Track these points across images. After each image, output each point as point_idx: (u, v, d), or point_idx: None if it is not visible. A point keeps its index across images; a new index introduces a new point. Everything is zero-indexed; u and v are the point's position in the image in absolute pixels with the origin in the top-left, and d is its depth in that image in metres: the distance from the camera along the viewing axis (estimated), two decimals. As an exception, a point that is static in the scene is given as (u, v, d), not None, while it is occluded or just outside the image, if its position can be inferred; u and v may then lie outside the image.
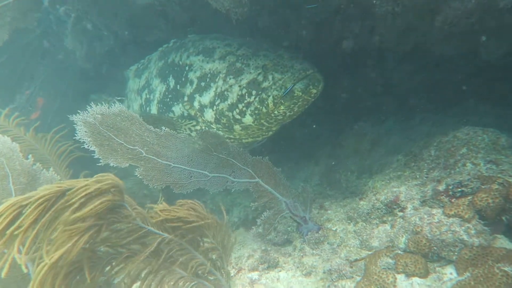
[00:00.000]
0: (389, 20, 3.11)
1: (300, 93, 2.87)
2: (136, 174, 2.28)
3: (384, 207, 2.86)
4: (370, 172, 4.03)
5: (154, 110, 3.93)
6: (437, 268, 2.37)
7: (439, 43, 3.43)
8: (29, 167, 2.28)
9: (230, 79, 3.14)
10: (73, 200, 1.50)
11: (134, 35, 5.18)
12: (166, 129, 2.40)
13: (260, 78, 2.99)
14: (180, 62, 3.66)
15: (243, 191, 4.77)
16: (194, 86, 3.40)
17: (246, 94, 3.03)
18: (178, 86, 3.59)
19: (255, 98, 2.99)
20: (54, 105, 5.21)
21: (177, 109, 3.63)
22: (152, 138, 2.32)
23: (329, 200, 3.67)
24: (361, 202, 3.04)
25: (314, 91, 2.91)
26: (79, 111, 2.16)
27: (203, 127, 3.52)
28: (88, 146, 2.08)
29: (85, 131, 2.06)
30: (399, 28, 3.35)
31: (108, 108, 2.15)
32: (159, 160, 2.32)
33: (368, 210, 2.91)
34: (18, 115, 3.88)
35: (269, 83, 2.95)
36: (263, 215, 2.86)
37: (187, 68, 3.54)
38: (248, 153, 2.82)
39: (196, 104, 3.39)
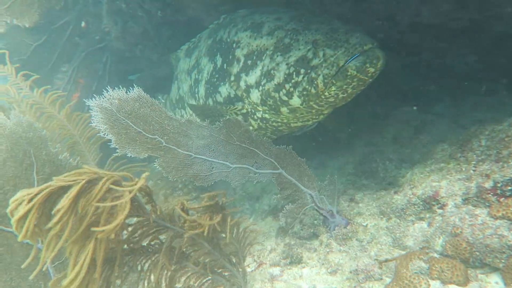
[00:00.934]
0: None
1: (355, 72, 2.55)
2: (155, 165, 2.27)
3: (421, 202, 2.66)
4: (411, 161, 3.79)
5: (202, 91, 3.83)
6: (479, 276, 2.17)
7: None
8: (55, 157, 2.32)
9: (277, 56, 2.92)
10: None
11: (166, 15, 5.16)
12: (189, 116, 2.34)
13: (310, 54, 2.73)
14: (228, 39, 3.50)
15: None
16: (241, 64, 3.23)
17: (294, 73, 2.79)
18: (225, 64, 3.44)
19: (303, 77, 2.75)
20: (92, 86, 5.38)
21: (224, 90, 3.50)
22: (172, 127, 2.26)
23: (361, 191, 3.50)
24: (395, 197, 2.85)
25: (372, 69, 2.59)
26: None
27: (249, 109, 3.38)
28: (104, 134, 2.07)
29: (101, 118, 2.04)
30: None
31: (126, 92, 2.12)
32: (179, 150, 2.27)
33: (403, 205, 2.73)
34: (55, 93, 3.95)
35: (320, 60, 2.68)
36: (285, 208, 2.77)
37: (234, 45, 3.36)
38: (271, 142, 2.70)
39: (242, 84, 3.23)
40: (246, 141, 2.49)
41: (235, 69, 3.32)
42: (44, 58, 5.12)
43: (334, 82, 2.66)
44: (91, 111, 2.07)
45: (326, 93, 2.75)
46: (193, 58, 4.21)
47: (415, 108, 5.19)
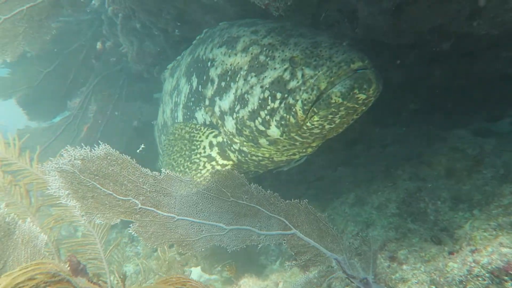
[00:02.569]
0: None
1: (340, 100, 2.11)
2: (130, 231, 1.89)
3: (487, 275, 2.06)
4: (470, 202, 3.16)
5: (180, 116, 3.51)
6: None
7: None
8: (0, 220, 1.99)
9: (251, 77, 2.53)
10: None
11: (183, 33, 4.89)
12: (167, 171, 1.94)
13: (287, 75, 2.33)
14: (204, 57, 3.14)
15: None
16: (215, 86, 2.87)
17: (269, 97, 2.39)
18: (200, 86, 3.09)
19: (280, 103, 2.35)
20: (107, 111, 5.21)
21: (200, 116, 3.16)
22: (149, 185, 1.89)
23: (405, 244, 2.91)
24: (451, 264, 2.26)
25: (363, 96, 2.13)
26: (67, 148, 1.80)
27: (225, 140, 3.02)
28: (66, 201, 1.72)
29: (62, 183, 1.71)
30: None
31: (91, 151, 1.77)
32: (159, 212, 1.89)
33: (461, 276, 2.13)
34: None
35: (298, 82, 2.27)
36: (302, 279, 2.25)
37: (209, 63, 3.00)
38: (278, 196, 2.22)
39: (217, 109, 2.86)
40: (244, 197, 2.05)
41: (209, 91, 2.93)
42: (56, 85, 5.03)
43: (316, 111, 2.21)
44: (46, 176, 1.73)
45: (308, 124, 2.31)
46: (175, 78, 3.88)
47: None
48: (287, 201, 2.20)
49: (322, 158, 5.43)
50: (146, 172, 1.90)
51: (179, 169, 3.02)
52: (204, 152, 3.07)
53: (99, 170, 1.80)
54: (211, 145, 3.08)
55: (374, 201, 3.62)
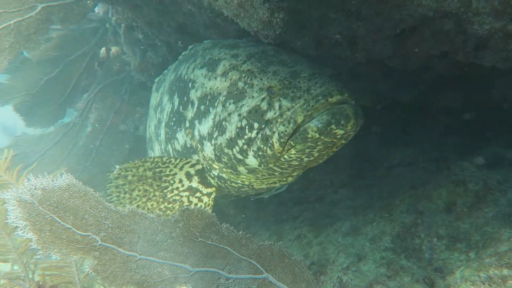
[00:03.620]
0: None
1: (317, 135, 2.11)
2: (87, 269, 1.85)
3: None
4: (468, 242, 3.05)
5: (162, 134, 3.46)
6: None
7: None
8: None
9: (230, 104, 2.51)
10: None
11: (186, 44, 4.90)
12: (131, 207, 1.91)
13: (264, 105, 2.32)
14: (186, 77, 3.11)
15: (296, 238, 4.17)
16: (195, 109, 2.84)
17: (247, 127, 2.38)
18: (181, 107, 3.05)
19: (257, 133, 2.34)
20: (107, 121, 5.24)
21: (180, 137, 3.11)
22: (112, 220, 1.85)
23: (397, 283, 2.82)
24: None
25: (340, 132, 2.12)
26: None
27: (205, 165, 2.95)
28: (23, 233, 1.70)
29: (20, 213, 1.69)
30: None
31: (53, 181, 1.75)
32: (120, 250, 1.84)
33: (444, 331, 2.04)
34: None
35: (275, 113, 2.26)
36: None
37: (190, 84, 2.97)
38: (251, 237, 2.17)
39: (196, 133, 2.83)
40: (213, 237, 1.99)
41: (189, 113, 2.90)
42: (56, 92, 5.09)
43: (293, 145, 2.20)
44: (6, 205, 1.72)
45: (286, 156, 2.29)
46: (159, 93, 3.83)
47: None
48: (260, 243, 2.14)
49: (325, 177, 5.36)
50: (109, 206, 1.87)
51: None
52: (183, 185, 2.97)
53: (59, 202, 1.77)
54: (188, 175, 3.00)
55: (369, 232, 3.52)
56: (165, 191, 2.95)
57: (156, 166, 2.95)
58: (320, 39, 3.71)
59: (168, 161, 2.95)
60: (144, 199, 2.97)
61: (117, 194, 2.95)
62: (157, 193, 2.95)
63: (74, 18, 3.33)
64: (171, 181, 3.01)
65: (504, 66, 2.86)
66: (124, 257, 1.85)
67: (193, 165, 3.00)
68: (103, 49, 5.39)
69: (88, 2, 3.50)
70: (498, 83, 4.25)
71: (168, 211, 2.91)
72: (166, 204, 2.92)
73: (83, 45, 5.17)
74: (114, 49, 5.44)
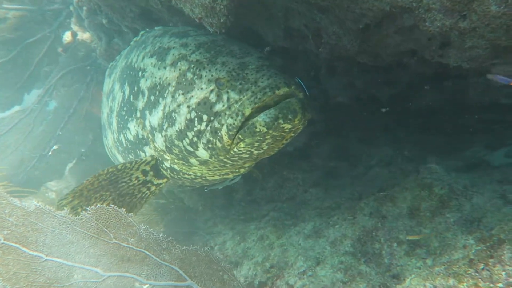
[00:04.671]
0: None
1: (265, 129, 2.16)
2: None
3: None
4: (428, 249, 3.03)
5: (114, 123, 3.44)
6: None
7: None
8: None
9: (179, 95, 2.52)
10: None
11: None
12: (38, 203, 1.84)
13: (213, 97, 2.34)
14: (136, 65, 3.10)
15: (259, 239, 4.13)
16: (145, 99, 2.84)
17: (196, 119, 2.40)
18: (132, 96, 3.05)
19: (206, 126, 2.37)
20: (70, 109, 5.12)
21: (132, 127, 3.11)
22: (16, 217, 1.78)
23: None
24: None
25: (288, 126, 2.19)
26: None
27: (157, 157, 2.94)
28: None
29: None
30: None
31: None
32: (24, 249, 1.77)
33: None
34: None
35: (223, 105, 2.29)
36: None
37: (140, 73, 2.97)
38: (173, 240, 2.11)
39: (147, 124, 2.84)
40: (130, 239, 1.93)
41: (140, 104, 2.90)
42: (12, 76, 4.93)
43: (242, 138, 2.23)
44: None
45: (236, 149, 2.33)
46: (111, 79, 3.81)
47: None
48: (184, 247, 2.09)
49: (299, 175, 5.33)
50: (14, 202, 1.80)
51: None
52: (138, 181, 3.03)
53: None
54: (144, 172, 3.04)
55: (331, 235, 3.50)
56: (121, 189, 2.97)
57: (112, 175, 2.95)
58: (289, 31, 3.65)
59: (123, 167, 2.95)
60: (99, 203, 2.97)
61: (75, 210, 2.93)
62: (114, 194, 2.97)
63: None
64: (128, 181, 3.04)
65: (470, 66, 2.82)
66: (29, 258, 1.78)
67: (148, 163, 3.00)
68: (68, 33, 5.24)
69: None
70: (474, 83, 4.22)
71: (120, 198, 2.97)
72: (121, 198, 2.98)
73: (44, 27, 5.01)
74: (82, 35, 5.30)
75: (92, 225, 1.89)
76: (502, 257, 2.18)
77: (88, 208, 1.90)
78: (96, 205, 1.92)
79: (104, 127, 3.97)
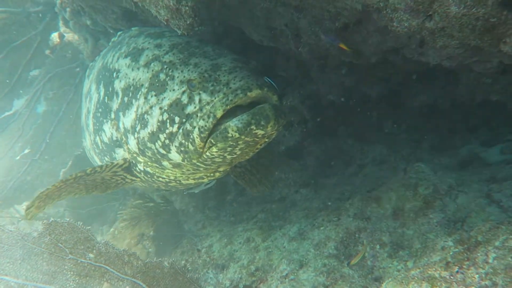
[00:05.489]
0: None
1: (237, 134, 2.15)
2: None
3: None
4: (410, 251, 3.03)
5: (90, 125, 3.43)
6: None
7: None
8: None
9: (151, 96, 2.51)
10: None
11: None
12: None
13: (185, 99, 2.33)
14: (111, 66, 3.09)
15: (245, 241, 4.13)
16: (119, 100, 2.83)
17: (168, 121, 2.38)
18: (106, 98, 3.04)
19: (178, 128, 2.34)
20: (59, 112, 5.12)
21: (107, 129, 3.10)
22: None
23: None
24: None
25: (261, 132, 2.17)
26: None
27: (131, 160, 2.92)
28: None
29: None
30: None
31: None
32: None
33: None
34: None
35: (195, 107, 2.27)
36: None
37: (114, 74, 2.96)
38: (135, 254, 2.10)
39: (121, 125, 2.83)
40: (88, 254, 1.92)
41: (114, 105, 2.90)
42: (0, 81, 4.95)
43: (214, 143, 2.22)
44: None
45: (208, 154, 2.31)
46: (89, 80, 3.80)
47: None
48: (147, 260, 2.08)
49: (290, 175, 5.32)
50: None
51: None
52: (110, 178, 3.06)
53: None
54: (115, 174, 3.03)
55: (315, 237, 3.49)
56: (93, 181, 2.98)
57: (80, 180, 2.91)
58: (272, 30, 3.64)
59: (92, 171, 2.92)
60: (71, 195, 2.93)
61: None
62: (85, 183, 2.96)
63: None
64: (99, 179, 3.05)
65: (450, 65, 2.80)
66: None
67: (120, 166, 2.99)
68: (56, 34, 5.24)
69: None
70: (464, 80, 4.19)
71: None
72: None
73: (30, 30, 5.02)
74: (68, 36, 5.30)
75: (45, 240, 1.87)
76: (476, 259, 2.17)
77: (40, 223, 1.88)
78: (50, 219, 1.90)
79: (83, 128, 3.98)
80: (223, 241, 4.18)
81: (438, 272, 2.25)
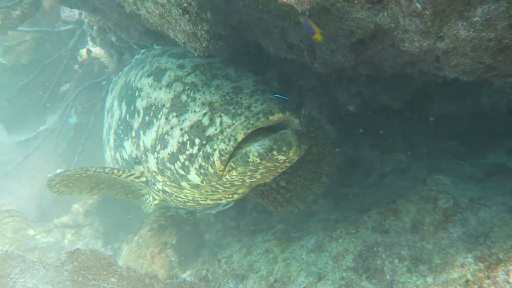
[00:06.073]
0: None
1: (258, 160, 2.14)
2: None
3: None
4: (430, 265, 2.97)
5: (111, 141, 3.50)
6: None
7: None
8: None
9: (172, 117, 2.52)
10: None
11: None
12: (5, 248, 1.86)
13: (206, 121, 2.33)
14: (133, 84, 3.13)
15: (264, 252, 4.14)
16: (140, 119, 2.86)
17: (188, 142, 2.38)
18: (128, 115, 3.08)
19: (198, 150, 2.34)
20: (88, 124, 5.31)
21: (127, 146, 3.15)
22: None
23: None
24: None
25: (282, 158, 2.16)
26: None
27: (149, 178, 2.97)
28: None
29: None
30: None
31: None
32: None
33: None
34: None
35: (216, 129, 2.27)
36: None
37: (136, 93, 3.00)
38: (156, 275, 2.15)
39: (141, 144, 2.86)
40: (110, 279, 1.97)
41: (136, 123, 2.93)
42: (34, 96, 5.17)
43: (234, 167, 2.21)
44: None
45: (228, 177, 2.30)
46: (112, 96, 3.86)
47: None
48: (167, 281, 2.12)
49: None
50: None
51: None
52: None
53: None
54: (137, 185, 3.11)
55: (333, 250, 3.47)
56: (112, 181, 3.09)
57: (99, 175, 3.00)
58: (289, 44, 3.67)
59: (110, 172, 2.99)
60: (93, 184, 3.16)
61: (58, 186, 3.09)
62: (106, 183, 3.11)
63: (12, 23, 3.35)
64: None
65: (468, 79, 2.75)
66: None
67: (137, 177, 3.03)
68: (83, 50, 5.44)
69: (25, 6, 3.48)
70: (487, 91, 4.10)
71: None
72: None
73: (60, 47, 5.23)
74: (95, 51, 5.50)
75: (67, 269, 1.92)
76: (497, 278, 2.12)
77: (63, 252, 1.94)
78: (73, 248, 1.94)
79: (104, 142, 4.07)
80: (242, 251, 4.21)
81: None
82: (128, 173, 3.00)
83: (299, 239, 3.87)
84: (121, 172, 2.99)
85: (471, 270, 2.36)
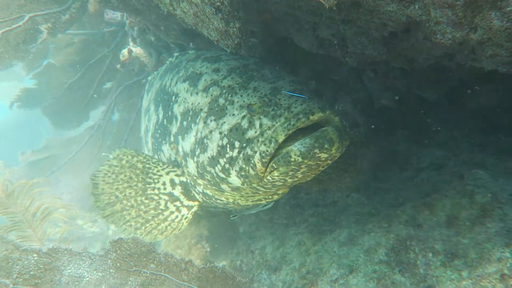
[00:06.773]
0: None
1: (300, 159, 2.10)
2: None
3: None
4: (466, 259, 2.89)
5: (149, 143, 3.53)
6: None
7: None
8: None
9: (211, 121, 2.51)
10: None
11: (198, 46, 5.05)
12: (53, 244, 1.95)
13: (245, 123, 2.31)
14: (169, 89, 3.14)
15: (297, 244, 4.17)
16: (178, 124, 2.86)
17: (228, 145, 2.36)
18: (165, 120, 3.09)
19: (239, 153, 2.32)
20: (130, 121, 5.53)
21: (166, 150, 3.18)
22: (29, 262, 1.90)
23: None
24: None
25: (324, 155, 2.12)
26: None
27: (189, 181, 2.98)
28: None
29: None
30: None
31: None
32: None
33: None
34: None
35: (256, 132, 2.24)
36: None
37: (173, 98, 3.00)
38: (191, 261, 2.22)
39: (180, 149, 2.86)
40: (150, 265, 2.05)
41: (174, 128, 2.93)
42: (79, 94, 5.47)
43: (276, 167, 2.18)
44: None
45: (269, 177, 2.27)
46: (148, 98, 3.88)
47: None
48: (201, 266, 2.18)
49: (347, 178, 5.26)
50: (25, 247, 1.87)
51: (127, 203, 2.97)
52: (165, 188, 3.05)
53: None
54: (172, 182, 3.06)
55: (365, 243, 3.45)
56: (147, 185, 3.03)
57: (147, 162, 3.06)
58: (320, 40, 3.66)
59: (157, 162, 3.06)
60: (125, 185, 3.07)
61: (106, 172, 3.06)
62: (139, 184, 3.03)
63: (62, 27, 3.54)
64: (156, 180, 3.09)
65: (507, 71, 2.65)
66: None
67: (178, 175, 3.06)
68: (125, 50, 5.66)
69: (73, 11, 3.67)
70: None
71: (142, 206, 2.98)
72: (143, 198, 3.00)
73: (104, 48, 5.49)
74: (136, 51, 5.71)
75: (111, 257, 2.01)
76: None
77: (107, 242, 2.03)
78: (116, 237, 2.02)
79: (142, 140, 4.13)
80: (275, 243, 4.27)
81: (492, 284, 2.16)
82: (172, 168, 3.04)
83: (331, 232, 3.88)
84: (165, 165, 3.04)
85: (508, 265, 2.29)
